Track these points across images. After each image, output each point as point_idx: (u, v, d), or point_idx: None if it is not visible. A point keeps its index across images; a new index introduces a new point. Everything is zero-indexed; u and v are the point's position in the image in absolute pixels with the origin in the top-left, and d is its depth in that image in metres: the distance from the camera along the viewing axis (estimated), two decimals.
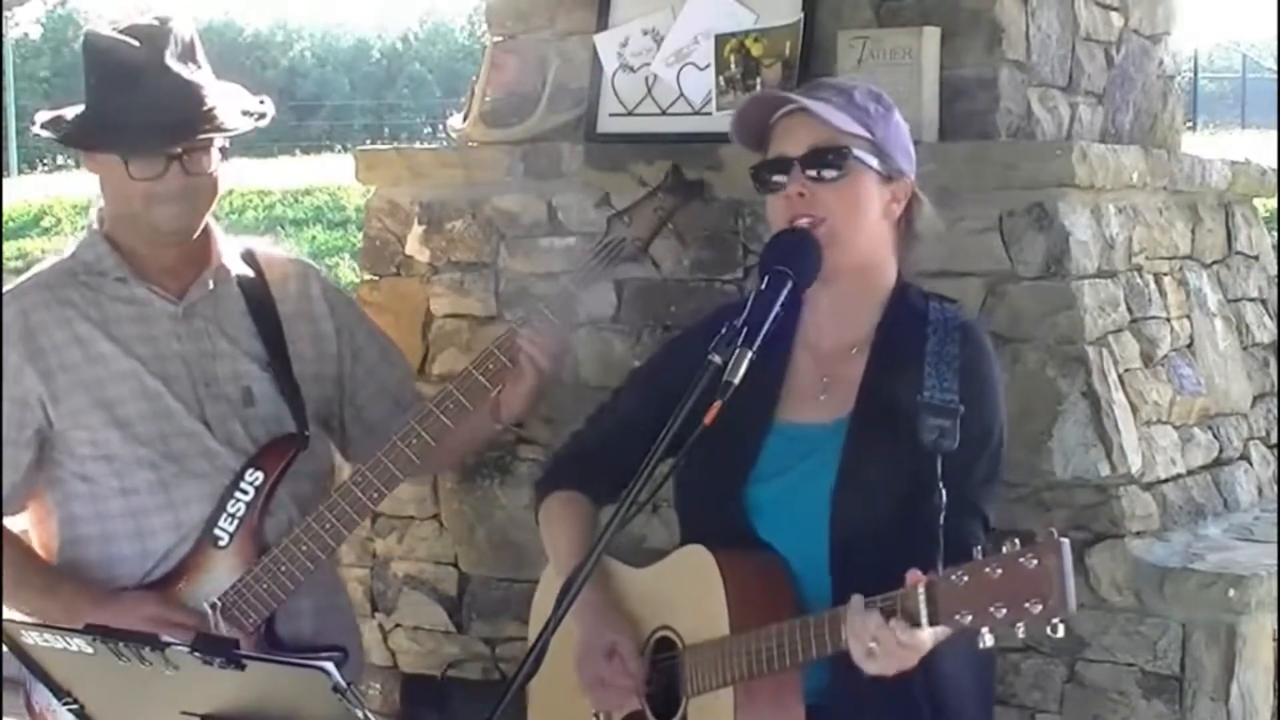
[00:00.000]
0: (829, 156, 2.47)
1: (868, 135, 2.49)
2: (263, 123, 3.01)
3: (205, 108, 2.88)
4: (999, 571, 2.06)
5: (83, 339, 2.90)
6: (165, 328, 2.94)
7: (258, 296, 3.04)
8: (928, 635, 2.18)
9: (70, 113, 2.96)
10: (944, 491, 2.36)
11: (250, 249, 3.12)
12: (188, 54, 2.91)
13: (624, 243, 3.00)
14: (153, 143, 2.84)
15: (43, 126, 2.99)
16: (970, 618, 2.08)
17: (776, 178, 2.51)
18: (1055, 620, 2.03)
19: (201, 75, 2.93)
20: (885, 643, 2.19)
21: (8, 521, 2.96)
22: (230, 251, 3.05)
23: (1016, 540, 2.07)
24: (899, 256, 2.59)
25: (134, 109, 2.84)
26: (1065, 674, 3.10)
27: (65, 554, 2.96)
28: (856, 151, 2.48)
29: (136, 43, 2.86)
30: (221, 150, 2.94)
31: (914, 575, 2.18)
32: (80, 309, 2.92)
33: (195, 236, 2.97)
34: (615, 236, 3.01)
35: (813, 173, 2.48)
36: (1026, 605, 2.03)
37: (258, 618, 2.88)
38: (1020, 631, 2.06)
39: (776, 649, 2.35)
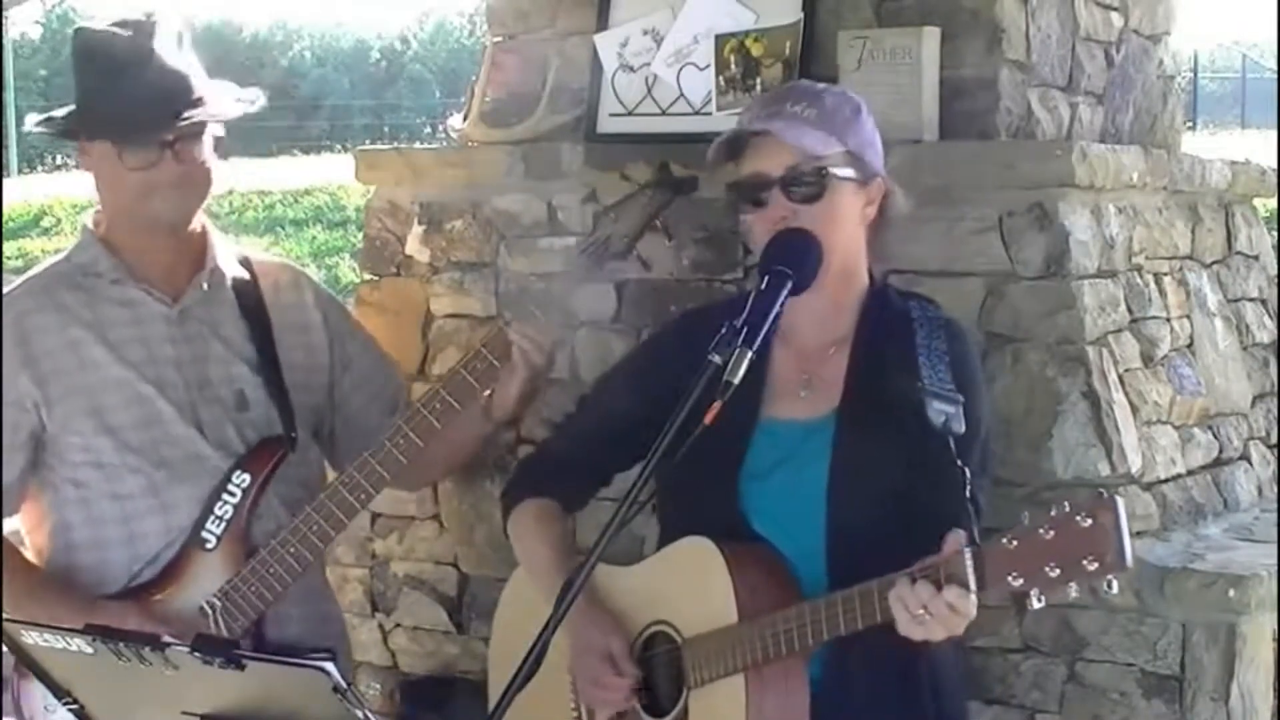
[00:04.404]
0: (808, 177, 2.49)
1: (842, 147, 2.50)
2: (253, 108, 2.99)
3: (195, 95, 2.88)
4: (1051, 533, 2.09)
5: (76, 344, 2.89)
6: (160, 330, 2.93)
7: (251, 300, 3.03)
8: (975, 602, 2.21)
9: (61, 111, 2.96)
10: (965, 470, 2.38)
11: (244, 255, 3.11)
12: (175, 44, 2.91)
13: (610, 239, 2.99)
14: (145, 128, 2.83)
15: (36, 125, 2.99)
16: (1021, 580, 2.12)
17: (757, 196, 2.52)
18: (1110, 577, 2.06)
19: (190, 65, 2.92)
20: (937, 611, 2.20)
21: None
22: (225, 253, 3.04)
23: (1066, 504, 2.10)
24: (872, 250, 2.61)
25: (125, 96, 2.83)
26: (1065, 674, 3.10)
27: (59, 559, 2.95)
28: (833, 169, 2.49)
29: (125, 32, 2.87)
30: (216, 140, 2.93)
31: (954, 540, 2.21)
32: (74, 313, 2.91)
33: (191, 236, 2.97)
34: (602, 233, 3.00)
35: (793, 194, 2.49)
36: (1083, 563, 2.07)
37: (246, 620, 2.86)
38: (1073, 591, 2.09)
39: (798, 630, 2.37)
